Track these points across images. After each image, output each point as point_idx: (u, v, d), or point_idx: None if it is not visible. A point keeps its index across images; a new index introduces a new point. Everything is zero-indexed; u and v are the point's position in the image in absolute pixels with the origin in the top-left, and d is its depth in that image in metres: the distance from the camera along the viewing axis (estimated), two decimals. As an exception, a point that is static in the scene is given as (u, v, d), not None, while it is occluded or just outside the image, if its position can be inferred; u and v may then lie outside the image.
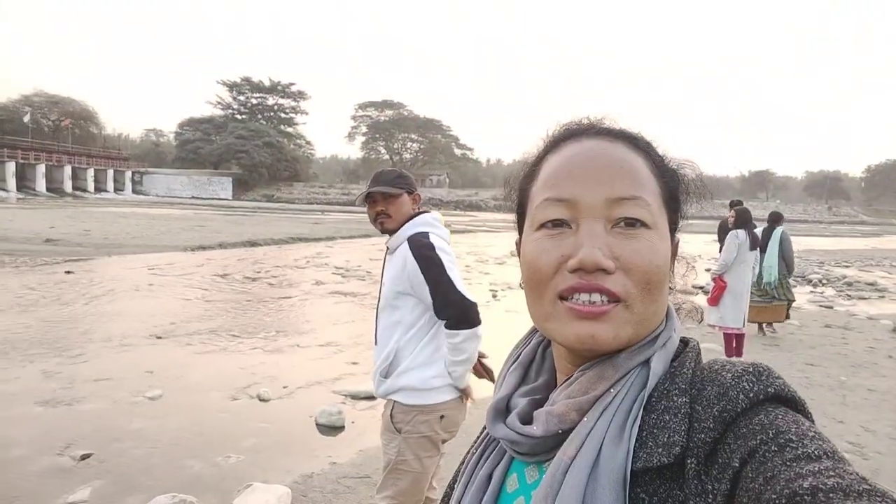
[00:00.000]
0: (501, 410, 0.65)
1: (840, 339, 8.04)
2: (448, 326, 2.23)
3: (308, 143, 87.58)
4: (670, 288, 0.63)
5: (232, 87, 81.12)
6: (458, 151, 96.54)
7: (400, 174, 2.38)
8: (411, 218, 2.34)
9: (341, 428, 4.52)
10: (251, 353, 6.58)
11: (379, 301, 2.40)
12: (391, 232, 2.36)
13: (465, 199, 68.38)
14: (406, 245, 2.27)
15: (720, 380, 0.53)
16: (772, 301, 7.93)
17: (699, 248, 20.71)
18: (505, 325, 8.35)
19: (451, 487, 0.75)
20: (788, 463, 0.45)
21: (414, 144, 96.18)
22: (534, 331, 0.74)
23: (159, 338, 6.99)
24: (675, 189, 0.65)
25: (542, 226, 0.61)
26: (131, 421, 4.53)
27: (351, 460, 3.99)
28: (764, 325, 8.16)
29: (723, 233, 6.99)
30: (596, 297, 0.57)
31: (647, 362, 0.59)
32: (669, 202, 0.64)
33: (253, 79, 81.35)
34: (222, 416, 4.72)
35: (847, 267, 19.00)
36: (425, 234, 2.28)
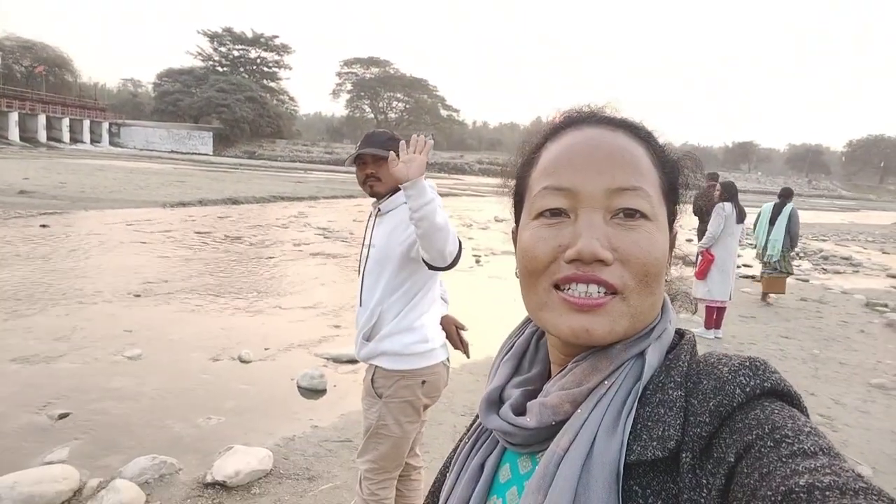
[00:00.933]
0: (494, 401, 0.65)
1: (815, 313, 8.21)
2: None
3: (291, 99, 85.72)
4: (666, 280, 0.62)
5: (213, 37, 78.63)
6: (444, 112, 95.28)
7: (392, 136, 2.28)
8: None
9: (323, 391, 4.53)
10: (232, 313, 6.53)
11: (365, 263, 2.34)
12: (379, 196, 2.29)
13: (449, 161, 67.85)
14: (406, 208, 2.13)
15: (716, 373, 0.53)
16: (776, 272, 8.43)
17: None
18: (488, 291, 8.39)
19: (442, 475, 0.74)
20: (784, 459, 0.45)
21: (399, 104, 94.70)
22: (527, 321, 0.73)
23: (138, 296, 6.89)
24: (674, 181, 0.64)
25: (541, 214, 0.60)
26: (110, 380, 4.49)
27: (332, 424, 4.01)
28: (768, 295, 8.65)
29: (700, 204, 7.12)
30: (593, 288, 0.56)
31: (642, 354, 0.58)
32: (669, 194, 0.63)
33: (235, 30, 78.96)
34: (203, 377, 4.69)
35: (824, 241, 19.34)
36: None
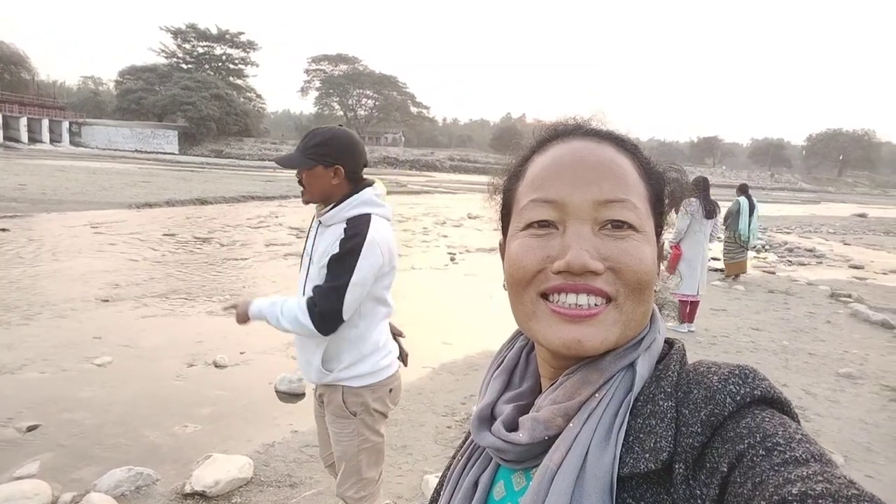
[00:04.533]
0: (486, 418, 0.65)
1: (783, 305, 8.42)
2: (308, 306, 2.01)
3: (259, 96, 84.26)
4: (655, 291, 0.62)
5: (176, 33, 76.83)
6: (414, 109, 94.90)
7: (319, 142, 2.06)
8: (352, 192, 2.09)
9: (302, 395, 4.46)
10: (205, 316, 6.39)
11: (305, 278, 2.16)
12: (308, 204, 2.13)
13: (420, 158, 67.67)
14: (343, 227, 2.05)
15: (706, 383, 0.53)
16: (740, 255, 9.99)
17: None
18: (463, 289, 8.39)
19: (437, 493, 0.74)
20: (776, 467, 0.45)
21: (369, 101, 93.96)
22: (516, 335, 0.73)
23: (105, 301, 6.70)
24: (660, 192, 0.65)
25: (529, 226, 0.60)
26: (80, 389, 4.35)
27: (312, 428, 3.89)
28: (738, 277, 9.99)
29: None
30: (583, 299, 0.56)
31: (632, 365, 0.58)
32: (655, 205, 0.63)
33: (199, 26, 77.25)
34: (177, 384, 4.58)
35: (788, 233, 19.86)
36: (366, 218, 2.07)
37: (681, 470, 0.50)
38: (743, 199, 9.87)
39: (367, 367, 2.15)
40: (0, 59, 64.29)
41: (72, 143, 59.05)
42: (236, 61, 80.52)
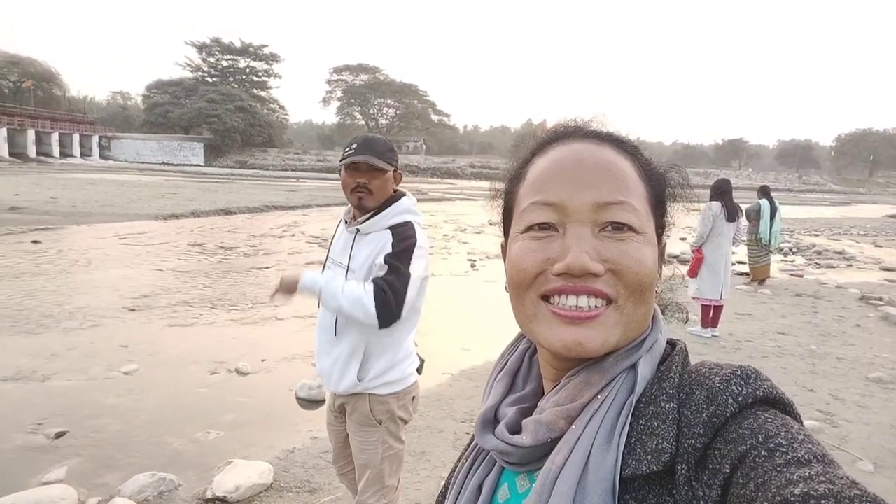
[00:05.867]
0: (490, 420, 0.65)
1: (810, 308, 8.24)
2: (375, 291, 1.98)
3: (282, 107, 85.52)
4: (657, 292, 0.62)
5: (201, 48, 78.46)
6: (434, 117, 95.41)
7: (391, 147, 2.14)
8: (391, 201, 2.13)
9: (321, 402, 4.50)
10: (228, 325, 6.49)
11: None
12: (367, 210, 2.11)
13: (441, 165, 67.88)
14: (388, 235, 2.07)
15: (708, 384, 0.53)
16: (764, 259, 9.87)
17: (675, 216, 20.96)
18: (483, 295, 8.37)
19: (442, 496, 0.74)
20: (779, 468, 0.45)
21: (390, 110, 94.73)
22: (519, 338, 0.73)
23: (132, 310, 6.84)
24: (661, 193, 0.65)
25: (529, 228, 0.61)
26: (106, 397, 4.45)
27: (332, 434, 3.98)
28: (764, 281, 9.86)
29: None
30: (583, 301, 0.57)
31: (634, 367, 0.58)
32: (656, 207, 0.63)
33: (223, 40, 78.82)
34: (200, 391, 4.66)
35: (816, 236, 19.43)
36: (412, 226, 2.10)
37: (683, 471, 0.50)
38: (764, 202, 9.71)
39: (396, 374, 2.16)
40: (33, 77, 66.26)
41: (101, 156, 60.50)
42: (260, 74, 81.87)
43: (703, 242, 6.46)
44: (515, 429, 0.61)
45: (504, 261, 0.65)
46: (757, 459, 0.46)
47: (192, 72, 78.69)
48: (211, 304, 7.36)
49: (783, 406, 0.53)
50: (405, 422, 2.23)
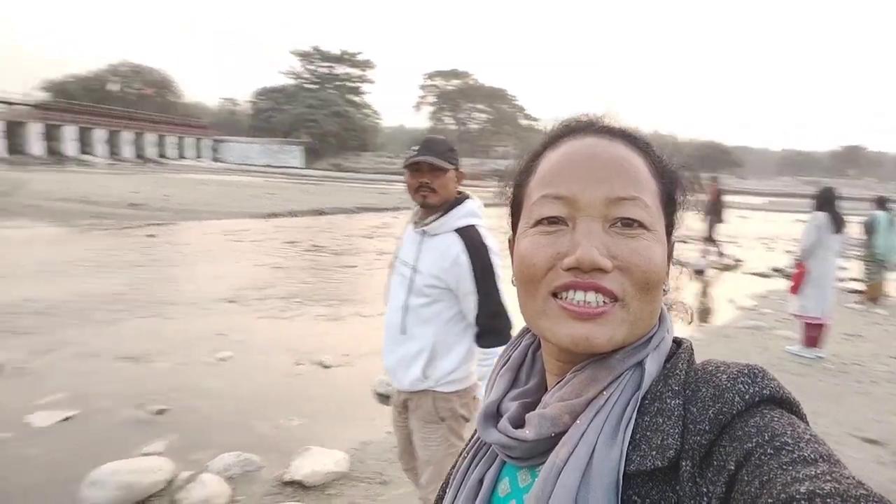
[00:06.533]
0: (492, 414, 0.65)
1: (932, 331, 7.46)
2: (482, 342, 2.11)
3: (375, 112, 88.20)
4: (664, 290, 0.61)
5: (303, 56, 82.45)
6: (524, 122, 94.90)
7: (451, 147, 2.18)
8: (456, 203, 2.16)
9: (399, 398, 4.61)
10: (315, 319, 6.79)
11: (409, 287, 2.18)
12: (431, 207, 2.15)
13: (531, 171, 67.29)
14: (456, 238, 2.10)
15: (715, 381, 0.53)
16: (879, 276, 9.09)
17: (782, 227, 19.72)
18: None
19: (443, 490, 0.75)
20: (784, 466, 0.45)
21: (481, 115, 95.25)
22: (523, 333, 0.73)
23: (231, 301, 7.31)
24: (672, 191, 0.64)
25: (539, 222, 0.60)
26: (203, 380, 4.78)
27: (407, 430, 4.06)
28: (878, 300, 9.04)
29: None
30: (591, 296, 0.56)
31: (640, 363, 0.58)
32: (667, 204, 0.63)
33: (323, 47, 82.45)
34: (286, 380, 4.91)
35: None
36: (477, 230, 2.13)
37: (688, 468, 0.50)
38: (881, 213, 8.94)
39: (460, 373, 2.20)
40: (153, 84, 72.22)
41: (212, 158, 64.95)
42: (354, 79, 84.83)
43: (807, 256, 6.02)
44: (518, 423, 0.61)
45: (511, 256, 0.65)
46: (762, 457, 0.46)
47: (294, 79, 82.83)
48: (301, 298, 7.72)
49: (790, 406, 0.52)
50: (466, 420, 2.26)
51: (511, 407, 0.64)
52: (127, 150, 51.94)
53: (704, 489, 0.49)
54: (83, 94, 62.08)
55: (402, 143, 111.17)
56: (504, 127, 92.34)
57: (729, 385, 0.52)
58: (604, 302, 0.56)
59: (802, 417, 0.52)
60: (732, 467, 0.47)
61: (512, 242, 0.67)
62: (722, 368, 0.54)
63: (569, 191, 0.59)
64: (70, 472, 3.20)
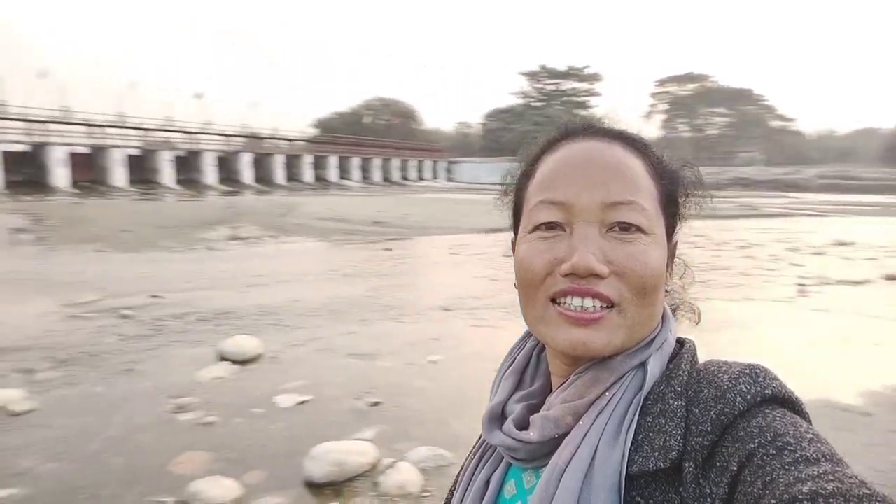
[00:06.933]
0: (497, 416, 0.66)
1: None
2: None
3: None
4: (666, 291, 0.61)
5: (531, 75, 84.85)
6: (774, 123, 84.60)
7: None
8: None
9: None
10: (521, 330, 6.94)
11: None
12: None
13: (781, 177, 59.58)
14: None
15: (717, 382, 0.53)
16: None
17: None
18: (807, 326, 7.19)
19: (450, 493, 0.75)
20: (787, 467, 0.45)
21: (720, 119, 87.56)
22: (527, 336, 0.73)
23: (446, 310, 7.87)
24: (673, 192, 0.62)
25: (537, 228, 0.60)
26: (414, 379, 5.25)
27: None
28: None
29: None
30: (588, 302, 0.56)
31: (643, 365, 0.58)
32: (667, 205, 0.61)
33: (549, 65, 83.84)
34: (487, 386, 5.10)
35: None
36: None
37: (690, 469, 0.50)
38: None
39: None
40: (399, 114, 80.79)
41: (447, 178, 70.20)
42: (581, 94, 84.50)
43: None
44: (522, 425, 0.61)
45: (514, 258, 0.65)
46: (765, 458, 0.46)
47: (521, 98, 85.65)
48: (512, 310, 7.97)
49: (792, 405, 0.52)
50: None
51: (516, 409, 0.64)
52: (376, 174, 58.76)
53: (708, 490, 0.48)
54: (343, 127, 72.16)
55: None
56: (749, 130, 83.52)
57: (730, 385, 0.51)
58: (601, 307, 0.56)
59: (805, 416, 0.51)
60: (735, 468, 0.47)
61: (514, 244, 0.68)
62: (724, 368, 0.54)
63: (565, 196, 0.59)
64: (298, 446, 3.80)
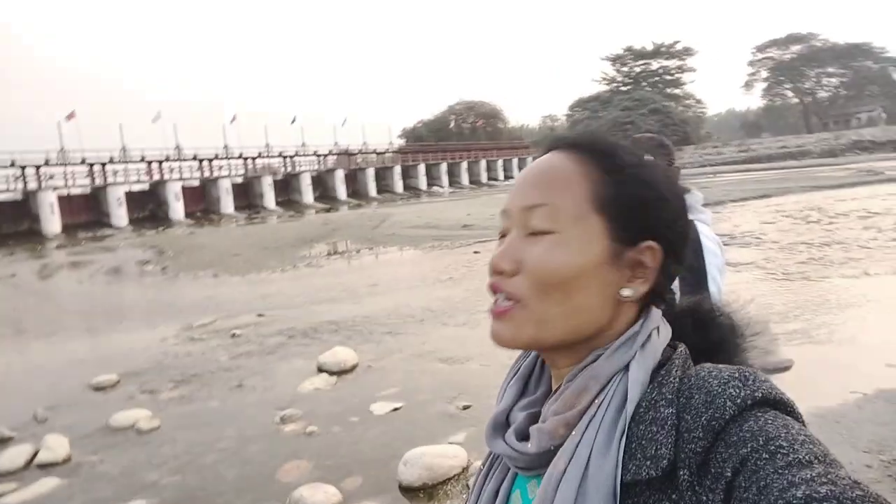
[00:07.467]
0: (501, 424, 0.67)
1: None
2: None
3: (698, 101, 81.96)
4: (623, 296, 0.60)
5: (615, 59, 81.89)
6: (899, 77, 76.38)
7: (661, 143, 2.07)
8: None
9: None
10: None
11: None
12: None
13: (910, 136, 53.68)
14: None
15: (707, 387, 0.53)
16: None
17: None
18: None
19: (466, 501, 0.76)
20: (780, 470, 0.45)
21: (832, 79, 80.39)
22: None
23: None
24: (623, 191, 0.61)
25: (500, 236, 0.66)
26: (501, 380, 5.25)
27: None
28: None
29: None
30: (500, 297, 0.61)
31: (627, 369, 0.58)
32: (609, 206, 0.61)
33: (635, 46, 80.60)
34: (578, 384, 5.05)
35: None
36: (692, 225, 1.99)
37: (685, 476, 0.50)
38: None
39: None
40: (484, 116, 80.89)
41: (535, 175, 69.48)
42: (673, 71, 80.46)
43: None
44: (524, 434, 0.63)
45: None
46: (758, 462, 0.46)
47: (607, 84, 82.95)
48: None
49: (784, 406, 0.51)
50: None
51: (519, 417, 0.65)
52: (464, 178, 59.20)
53: (704, 497, 0.49)
54: (429, 134, 73.38)
55: (733, 129, 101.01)
56: (868, 88, 76.07)
57: (720, 390, 0.51)
58: (506, 300, 0.61)
59: (798, 417, 0.51)
60: (729, 474, 0.47)
61: None
62: (714, 373, 0.54)
63: (506, 207, 0.65)
64: (393, 452, 3.93)
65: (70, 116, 37.66)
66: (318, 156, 50.75)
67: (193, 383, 6.00)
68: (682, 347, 0.60)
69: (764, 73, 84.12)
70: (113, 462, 4.35)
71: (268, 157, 47.30)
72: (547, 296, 0.60)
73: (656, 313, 0.63)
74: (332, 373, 5.82)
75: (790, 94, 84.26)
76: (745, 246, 11.27)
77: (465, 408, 4.71)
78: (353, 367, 5.98)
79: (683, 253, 0.64)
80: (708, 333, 0.65)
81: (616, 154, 0.64)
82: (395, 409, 4.81)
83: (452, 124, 77.43)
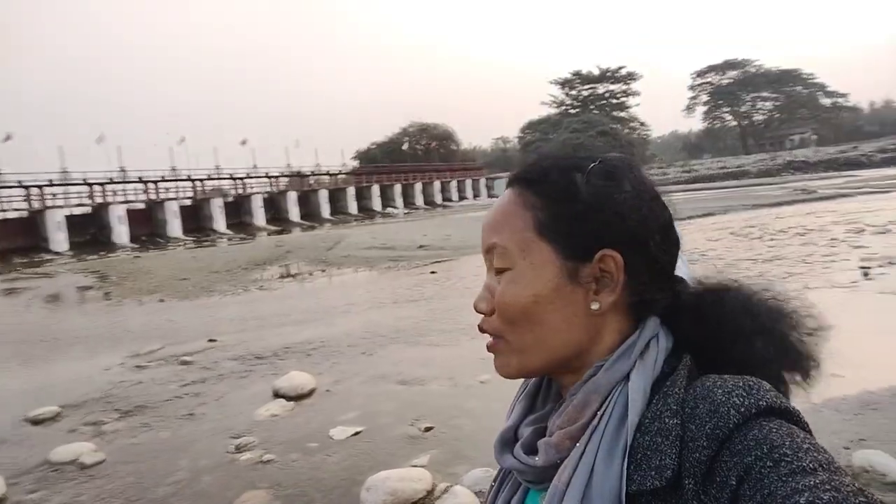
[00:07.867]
0: (509, 440, 0.69)
1: None
2: None
3: (643, 124, 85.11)
4: (595, 309, 0.61)
5: (563, 83, 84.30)
6: (825, 101, 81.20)
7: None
8: None
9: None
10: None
11: None
12: None
13: (837, 157, 56.89)
14: None
15: (711, 397, 0.54)
16: None
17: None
18: (873, 309, 6.83)
19: None
20: (784, 478, 0.45)
21: (766, 103, 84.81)
22: None
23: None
24: (562, 214, 0.62)
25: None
26: (466, 401, 5.23)
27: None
28: None
29: None
30: (488, 335, 0.66)
31: (627, 380, 0.59)
32: (548, 229, 0.62)
33: (582, 71, 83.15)
34: (539, 402, 5.06)
35: None
36: None
37: (690, 485, 0.51)
38: None
39: None
40: (436, 138, 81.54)
41: (488, 195, 70.21)
42: (618, 95, 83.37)
43: None
44: (531, 449, 0.64)
45: None
46: (763, 470, 0.47)
47: (556, 107, 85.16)
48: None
49: (789, 415, 0.52)
50: None
51: (526, 432, 0.67)
52: (419, 199, 59.33)
53: None
54: (383, 156, 73.46)
55: (676, 151, 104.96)
56: (798, 111, 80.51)
57: (724, 399, 0.52)
58: (493, 338, 0.66)
59: (803, 426, 0.52)
60: (734, 483, 0.48)
61: None
62: (719, 383, 0.54)
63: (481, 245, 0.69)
64: (355, 477, 3.84)
65: (6, 139, 36.07)
66: (270, 177, 50.05)
67: (141, 413, 5.73)
68: (686, 358, 0.60)
69: (704, 97, 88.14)
70: (54, 500, 4.09)
71: (218, 178, 46.31)
72: (517, 327, 0.63)
73: (654, 322, 0.63)
74: (289, 398, 5.66)
75: (729, 116, 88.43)
76: (692, 263, 11.64)
77: (428, 429, 4.65)
78: (311, 392, 5.83)
79: (655, 242, 0.62)
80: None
81: (548, 176, 0.64)
82: (356, 434, 4.70)
83: (406, 146, 77.82)
